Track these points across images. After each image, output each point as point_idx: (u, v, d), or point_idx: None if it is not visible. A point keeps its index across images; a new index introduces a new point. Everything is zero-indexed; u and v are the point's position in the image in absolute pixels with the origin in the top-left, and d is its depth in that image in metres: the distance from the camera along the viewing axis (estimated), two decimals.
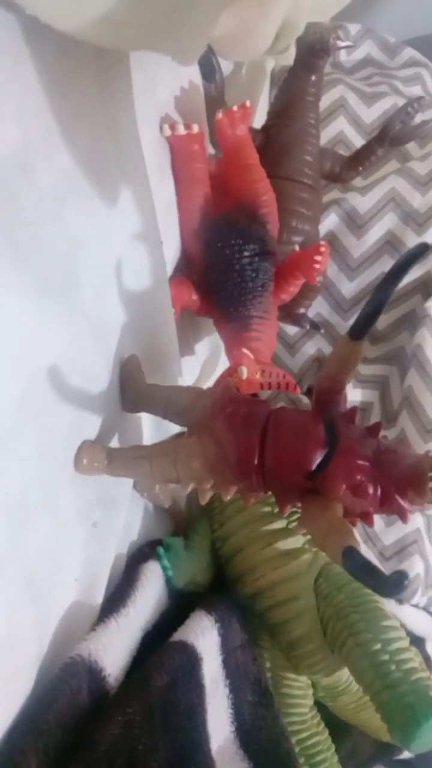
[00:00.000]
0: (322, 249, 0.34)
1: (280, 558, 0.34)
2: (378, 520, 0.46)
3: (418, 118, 0.45)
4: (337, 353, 0.25)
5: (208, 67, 0.37)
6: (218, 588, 0.35)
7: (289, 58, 0.43)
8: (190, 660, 0.26)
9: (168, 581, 0.32)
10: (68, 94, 0.25)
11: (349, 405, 0.26)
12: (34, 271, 0.22)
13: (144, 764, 0.22)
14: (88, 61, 0.26)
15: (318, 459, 0.24)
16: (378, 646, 0.29)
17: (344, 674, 0.34)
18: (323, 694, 0.35)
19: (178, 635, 0.27)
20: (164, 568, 0.32)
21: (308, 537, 0.35)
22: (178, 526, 0.38)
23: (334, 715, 0.36)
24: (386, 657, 0.29)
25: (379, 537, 0.46)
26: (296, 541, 0.35)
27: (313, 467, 0.24)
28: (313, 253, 0.34)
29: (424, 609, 0.48)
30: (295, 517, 0.35)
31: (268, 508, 0.35)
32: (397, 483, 0.23)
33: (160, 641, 0.27)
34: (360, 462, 0.23)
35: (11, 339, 0.22)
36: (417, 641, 0.46)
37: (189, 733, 0.24)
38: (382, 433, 0.25)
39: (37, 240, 0.22)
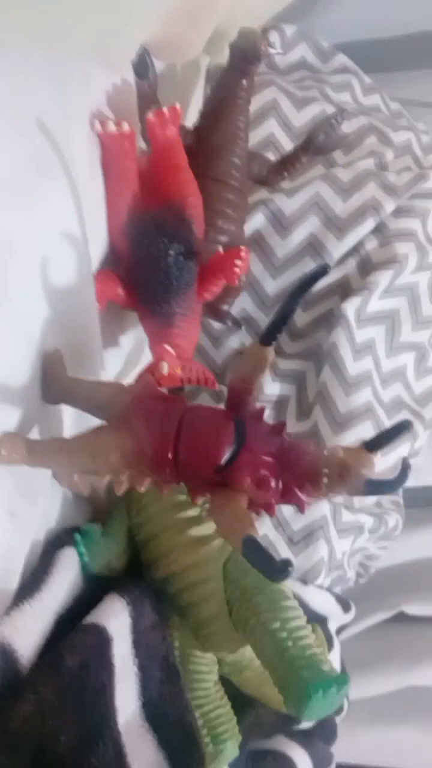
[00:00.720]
0: (242, 254, 0.36)
1: (192, 544, 0.36)
2: (288, 507, 0.49)
3: (343, 129, 0.47)
4: (248, 357, 0.27)
5: (141, 64, 0.37)
6: (134, 572, 0.37)
7: (223, 56, 0.44)
8: (101, 641, 0.28)
9: (84, 567, 0.33)
10: (7, 96, 0.25)
11: (259, 404, 0.28)
12: None
13: (54, 740, 0.23)
14: (20, 56, 0.26)
15: (227, 454, 0.26)
16: (277, 624, 0.32)
17: (247, 651, 0.36)
18: (228, 669, 0.38)
19: (91, 618, 0.29)
20: (80, 554, 0.33)
21: None
22: (97, 513, 0.39)
23: (238, 689, 0.39)
24: (284, 634, 0.32)
25: (288, 523, 0.49)
26: (208, 528, 0.37)
27: (222, 462, 0.26)
28: (234, 256, 0.36)
29: (328, 590, 0.51)
30: (207, 505, 0.38)
31: (183, 497, 0.37)
32: (297, 478, 0.25)
33: (73, 625, 0.29)
34: (264, 458, 0.26)
35: None
36: (320, 620, 0.50)
37: (98, 709, 0.26)
38: (299, 425, 0.28)
39: None
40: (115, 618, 0.29)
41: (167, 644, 0.32)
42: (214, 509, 0.26)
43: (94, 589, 0.32)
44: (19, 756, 0.23)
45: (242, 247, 0.36)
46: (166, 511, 0.37)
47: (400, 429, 0.24)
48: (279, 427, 0.27)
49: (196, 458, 0.27)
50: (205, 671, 0.36)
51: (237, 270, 0.35)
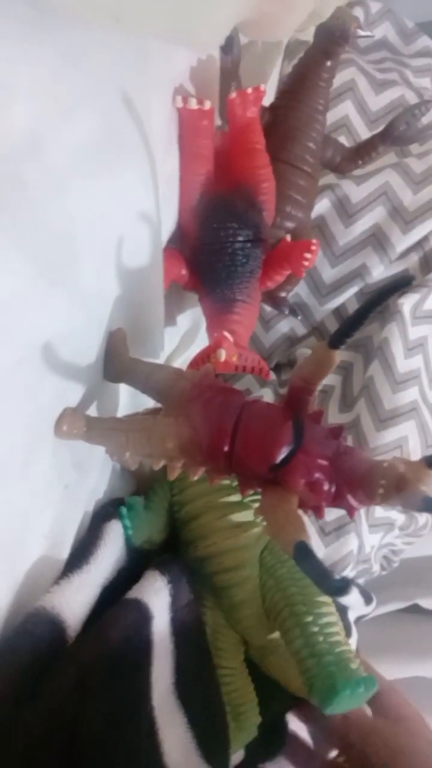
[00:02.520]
0: (313, 247, 0.35)
1: (231, 529, 0.37)
2: None
3: (424, 120, 0.45)
4: (313, 357, 0.27)
5: (228, 39, 0.36)
6: (171, 548, 0.38)
7: (307, 34, 0.43)
8: (143, 617, 0.29)
9: (127, 539, 0.34)
10: (82, 69, 0.25)
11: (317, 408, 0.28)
12: (37, 251, 0.23)
13: (92, 712, 0.24)
14: (103, 33, 0.26)
15: (283, 454, 0.26)
16: (310, 618, 0.32)
17: (275, 637, 0.37)
18: (254, 653, 0.38)
19: (133, 593, 0.30)
20: (125, 527, 0.34)
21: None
22: (141, 485, 0.40)
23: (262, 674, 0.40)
24: (316, 629, 0.32)
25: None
26: (248, 515, 0.37)
27: (278, 461, 0.26)
28: (303, 249, 0.35)
29: (353, 581, 0.52)
30: (251, 493, 0.38)
31: (227, 481, 0.38)
32: (351, 484, 0.25)
33: (114, 597, 0.30)
34: (320, 461, 0.26)
35: (11, 314, 0.22)
36: (341, 610, 0.51)
37: (135, 684, 0.26)
38: (341, 417, 0.27)
39: (41, 220, 0.23)
40: (156, 595, 0.30)
41: (200, 624, 0.33)
42: (264, 508, 0.27)
43: (133, 563, 0.33)
44: (57, 727, 0.24)
45: (313, 240, 0.35)
46: (209, 493, 0.37)
47: None
48: (337, 431, 0.27)
49: (252, 454, 0.27)
50: (232, 650, 0.37)
51: (306, 263, 0.35)
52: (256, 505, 0.38)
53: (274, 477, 0.27)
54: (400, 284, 0.23)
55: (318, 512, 0.26)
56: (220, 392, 0.29)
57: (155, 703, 0.27)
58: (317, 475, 0.26)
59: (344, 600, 0.48)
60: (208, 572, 0.37)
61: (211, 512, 0.37)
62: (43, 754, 0.23)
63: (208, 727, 0.28)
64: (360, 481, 0.25)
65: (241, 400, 0.29)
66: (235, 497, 0.37)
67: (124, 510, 0.34)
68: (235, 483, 0.35)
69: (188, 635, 0.32)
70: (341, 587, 0.20)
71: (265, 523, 0.27)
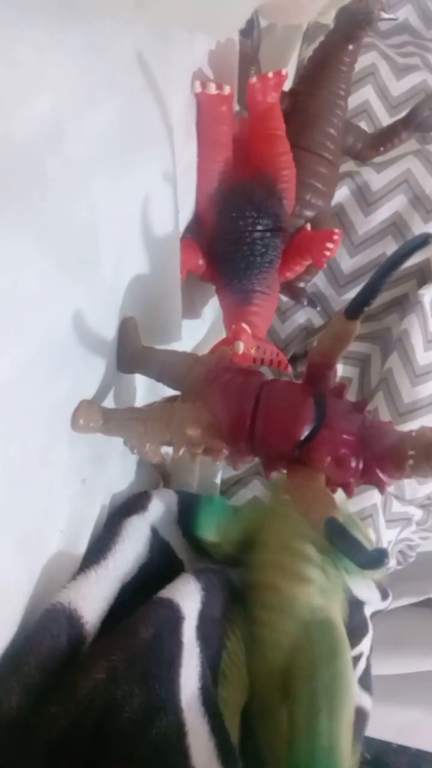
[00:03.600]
0: (336, 237, 0.34)
1: (295, 575, 0.35)
2: (339, 491, 0.49)
3: None
4: (331, 330, 0.26)
5: (248, 23, 0.35)
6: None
7: (327, 17, 0.42)
8: (175, 617, 0.28)
9: (193, 526, 0.34)
10: (104, 58, 0.24)
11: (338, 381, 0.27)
12: (58, 245, 0.22)
13: (119, 708, 0.24)
14: (125, 22, 0.25)
15: (306, 431, 0.25)
16: (323, 714, 0.30)
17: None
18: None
19: (166, 593, 0.29)
20: (196, 512, 0.34)
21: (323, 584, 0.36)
22: (163, 479, 0.39)
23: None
24: (324, 725, 0.29)
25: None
26: (317, 575, 0.35)
27: (301, 438, 0.25)
28: (325, 239, 0.34)
29: (387, 553, 0.51)
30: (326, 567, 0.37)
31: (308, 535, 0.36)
32: (379, 458, 0.24)
33: (137, 593, 0.29)
34: (345, 436, 0.25)
35: (32, 309, 0.22)
36: (357, 604, 0.50)
37: (165, 684, 0.26)
38: None
39: (63, 213, 0.22)
40: (188, 599, 0.29)
41: (220, 644, 0.32)
42: (291, 487, 0.26)
43: (157, 560, 0.33)
44: (83, 723, 0.23)
45: (336, 230, 0.34)
46: (290, 533, 0.36)
47: None
48: (361, 405, 0.26)
49: (274, 434, 0.26)
50: (234, 687, 0.34)
51: (327, 253, 0.34)
52: (331, 570, 0.36)
53: (299, 456, 0.26)
54: (416, 246, 0.22)
55: (347, 489, 0.26)
56: (237, 374, 0.28)
57: (183, 705, 0.27)
58: (343, 450, 0.25)
59: (360, 593, 0.48)
60: (252, 601, 0.35)
61: (285, 553, 0.35)
62: (66, 746, 0.23)
63: (226, 739, 0.27)
64: (388, 454, 0.24)
65: (260, 381, 0.28)
66: (311, 551, 0.36)
67: (205, 498, 0.34)
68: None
69: (210, 649, 0.31)
70: (378, 558, 0.19)
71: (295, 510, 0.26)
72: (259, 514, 0.37)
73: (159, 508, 0.35)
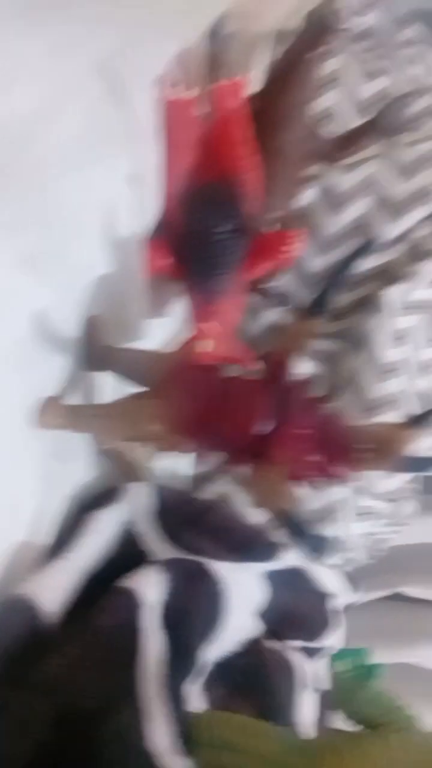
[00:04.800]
0: (298, 237, 0.35)
1: None
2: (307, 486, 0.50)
3: (414, 110, 0.45)
4: (291, 328, 0.27)
5: (214, 27, 0.36)
6: None
7: (296, 22, 0.42)
8: (131, 605, 0.29)
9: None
10: (71, 60, 0.24)
11: (300, 377, 0.28)
12: (26, 242, 0.23)
13: (79, 696, 0.25)
14: (93, 25, 0.26)
15: (266, 426, 0.26)
16: None
17: None
18: None
19: (125, 581, 0.30)
20: None
21: None
22: (131, 475, 0.40)
23: None
24: None
25: (307, 501, 0.50)
26: None
27: (262, 433, 0.26)
28: (288, 239, 0.35)
29: (337, 569, 0.52)
30: None
31: None
32: (337, 451, 0.26)
33: (104, 585, 0.30)
34: (304, 431, 0.26)
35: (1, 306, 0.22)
36: (327, 597, 0.51)
37: (125, 670, 0.27)
38: None
39: (27, 212, 0.23)
40: (149, 587, 0.30)
41: (193, 636, 0.33)
42: (252, 480, 0.27)
43: (129, 554, 0.33)
44: (44, 709, 0.24)
45: (298, 231, 0.35)
46: None
47: None
48: (319, 401, 0.27)
49: (236, 429, 0.27)
50: None
51: (290, 254, 0.35)
52: None
53: (260, 449, 0.27)
54: (363, 250, 0.24)
55: (306, 481, 0.27)
56: (200, 370, 0.29)
57: (143, 691, 0.27)
58: (302, 444, 0.26)
59: (329, 586, 0.49)
60: None
61: None
62: (25, 731, 0.24)
63: (184, 725, 0.28)
64: (346, 448, 0.25)
65: (222, 377, 0.29)
66: None
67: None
68: None
69: (179, 637, 0.31)
70: (319, 544, 0.21)
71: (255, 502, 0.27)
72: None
73: (134, 501, 0.35)
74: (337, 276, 0.24)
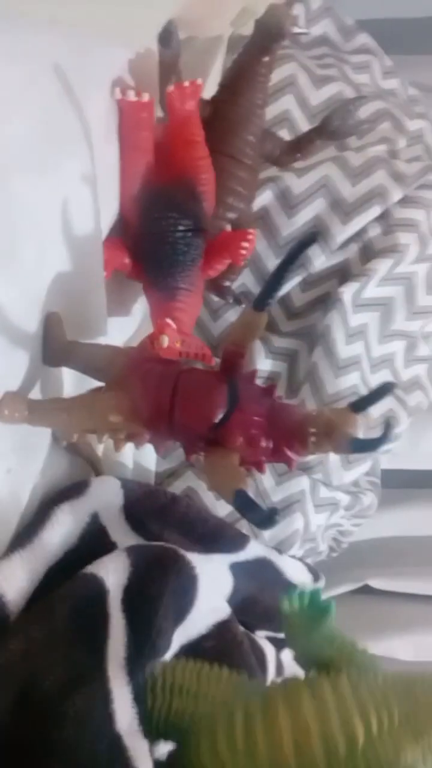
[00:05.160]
0: (250, 237, 0.36)
1: None
2: (269, 479, 0.51)
3: (359, 114, 0.47)
4: (241, 322, 0.29)
5: (166, 32, 0.37)
6: None
7: (248, 28, 0.44)
8: (97, 590, 0.30)
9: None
10: (19, 66, 0.25)
11: (251, 368, 0.29)
12: None
13: (41, 678, 0.25)
14: (43, 30, 0.27)
15: (220, 414, 0.27)
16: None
17: None
18: None
19: (90, 568, 0.31)
20: None
21: None
22: (94, 470, 0.41)
23: None
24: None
25: (268, 493, 0.51)
26: None
27: (216, 421, 0.27)
28: (241, 238, 0.37)
29: (301, 560, 0.54)
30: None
31: None
32: (286, 437, 0.27)
33: (66, 576, 0.31)
34: (255, 418, 0.27)
35: None
36: (292, 587, 0.52)
37: (88, 652, 0.27)
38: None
39: None
40: (113, 573, 0.31)
41: (151, 621, 0.33)
42: (208, 466, 0.28)
43: (93, 545, 0.34)
44: (3, 691, 0.25)
45: (250, 230, 0.37)
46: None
47: (383, 391, 0.25)
48: (270, 389, 0.29)
49: (191, 418, 0.28)
50: None
51: (243, 252, 0.36)
52: None
53: (215, 437, 0.28)
54: (307, 243, 0.25)
55: (258, 467, 0.28)
56: (157, 364, 0.31)
57: (110, 673, 0.28)
58: (253, 431, 0.27)
59: (292, 576, 0.50)
60: None
61: None
62: None
63: (146, 707, 0.29)
64: (293, 433, 0.27)
65: (177, 369, 0.30)
66: None
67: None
68: None
69: (139, 621, 0.32)
70: (270, 516, 0.22)
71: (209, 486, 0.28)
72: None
73: (99, 494, 0.36)
74: (281, 270, 0.25)
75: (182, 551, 0.36)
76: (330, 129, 0.45)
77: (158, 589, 0.32)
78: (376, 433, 0.25)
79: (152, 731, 0.28)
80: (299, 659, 0.34)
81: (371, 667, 0.29)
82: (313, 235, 0.24)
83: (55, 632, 0.27)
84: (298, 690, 0.26)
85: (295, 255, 0.25)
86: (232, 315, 0.56)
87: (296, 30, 0.42)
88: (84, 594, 0.29)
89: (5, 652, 0.26)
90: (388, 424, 0.25)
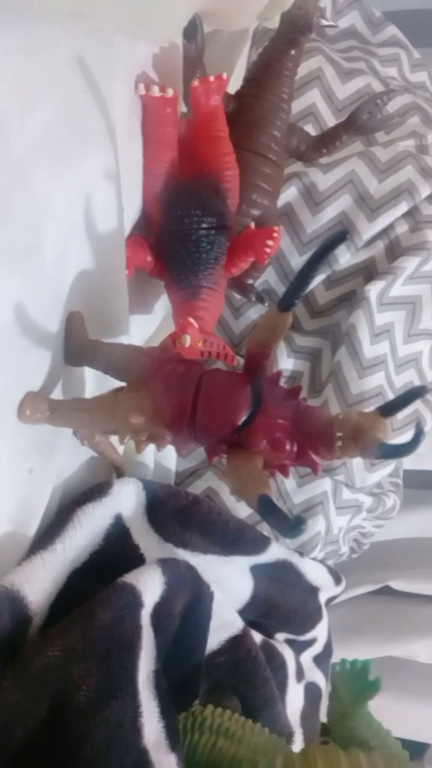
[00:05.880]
0: (275, 234, 0.36)
1: None
2: (291, 480, 0.51)
3: (387, 108, 0.46)
4: (266, 322, 0.28)
5: (190, 27, 0.37)
6: None
7: (273, 22, 0.43)
8: (135, 602, 0.29)
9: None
10: (42, 61, 0.25)
11: (275, 370, 0.29)
12: (2, 235, 0.23)
13: (75, 687, 0.25)
14: (66, 23, 0.26)
15: (244, 416, 0.27)
16: None
17: None
18: None
19: (130, 578, 0.30)
20: None
21: None
22: (115, 471, 0.40)
23: None
24: None
25: (289, 495, 0.51)
26: None
27: (239, 423, 0.27)
28: (266, 236, 0.36)
29: (322, 562, 0.53)
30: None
31: None
32: (311, 440, 0.26)
33: (90, 578, 0.30)
34: (280, 420, 0.27)
35: None
36: (313, 590, 0.52)
37: (122, 665, 0.27)
38: (309, 402, 0.28)
39: (6, 206, 0.23)
40: (150, 588, 0.30)
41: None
42: (230, 469, 0.27)
43: (116, 547, 0.33)
44: (37, 697, 0.24)
45: (276, 228, 0.36)
46: None
47: (413, 395, 0.24)
48: (295, 391, 0.28)
49: (214, 420, 0.27)
50: None
51: (268, 250, 0.36)
52: None
53: (238, 440, 0.27)
54: (336, 242, 0.24)
55: (283, 471, 0.27)
56: (179, 364, 0.30)
57: (140, 686, 0.28)
58: (278, 434, 0.27)
59: (313, 579, 0.50)
60: None
61: None
62: (20, 721, 0.24)
63: (172, 721, 0.28)
64: (319, 436, 0.26)
65: (200, 370, 0.29)
66: None
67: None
68: None
69: (162, 636, 0.32)
70: (296, 525, 0.21)
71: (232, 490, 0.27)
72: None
73: (122, 496, 0.36)
74: (308, 269, 0.25)
75: (204, 569, 0.36)
76: (357, 124, 0.44)
77: (183, 611, 0.31)
78: (401, 436, 0.25)
79: (193, 764, 0.30)
80: (337, 737, 0.35)
81: (402, 757, 0.31)
82: (342, 234, 0.23)
83: (92, 641, 0.26)
84: (336, 751, 0.29)
85: (322, 254, 0.24)
86: (254, 313, 0.56)
87: (324, 23, 0.41)
88: (124, 604, 0.29)
89: (43, 658, 0.25)
90: (418, 429, 0.24)
